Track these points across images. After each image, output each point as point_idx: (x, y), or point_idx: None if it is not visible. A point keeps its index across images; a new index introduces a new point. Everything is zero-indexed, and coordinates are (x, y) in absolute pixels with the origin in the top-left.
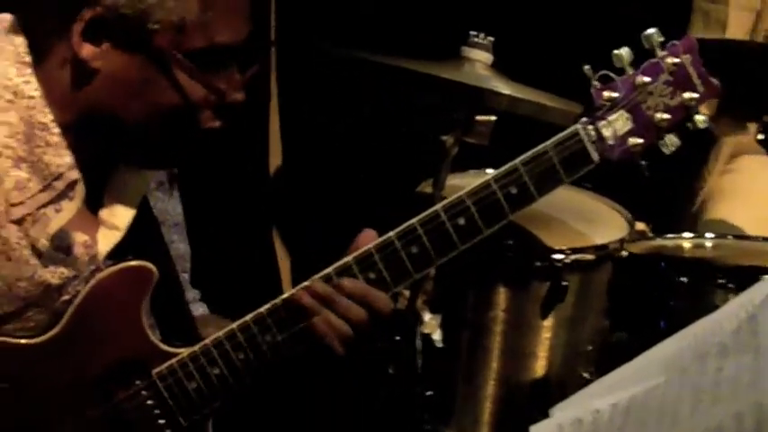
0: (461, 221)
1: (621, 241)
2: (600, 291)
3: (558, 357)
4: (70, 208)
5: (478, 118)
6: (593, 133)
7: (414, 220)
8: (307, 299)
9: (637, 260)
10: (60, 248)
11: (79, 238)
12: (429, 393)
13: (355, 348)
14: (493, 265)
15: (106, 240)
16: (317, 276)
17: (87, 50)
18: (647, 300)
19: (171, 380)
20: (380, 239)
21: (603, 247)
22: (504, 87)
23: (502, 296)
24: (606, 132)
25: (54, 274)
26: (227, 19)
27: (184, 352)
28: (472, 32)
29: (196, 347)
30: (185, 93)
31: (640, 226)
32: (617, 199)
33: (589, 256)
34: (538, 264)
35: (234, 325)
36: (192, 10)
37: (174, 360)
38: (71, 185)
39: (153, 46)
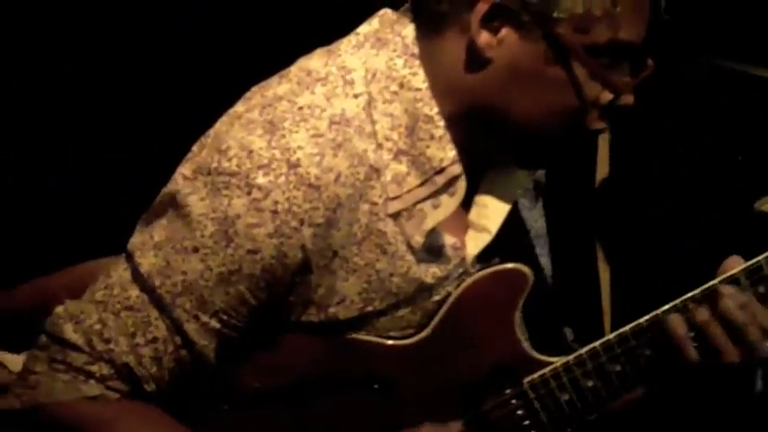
0: None
1: None
2: None
3: None
4: (449, 204)
5: None
6: None
7: None
8: (702, 315)
9: None
10: (431, 249)
11: (448, 239)
12: None
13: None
14: None
15: (475, 243)
16: (700, 289)
17: (484, 38)
18: None
19: (543, 390)
20: None
21: None
22: None
23: None
24: None
25: (427, 273)
26: (633, 15)
27: (557, 362)
28: None
29: (570, 358)
30: (581, 89)
31: None
32: None
33: None
34: None
35: (611, 336)
36: (600, 2)
37: (546, 370)
38: (452, 181)
39: (555, 36)
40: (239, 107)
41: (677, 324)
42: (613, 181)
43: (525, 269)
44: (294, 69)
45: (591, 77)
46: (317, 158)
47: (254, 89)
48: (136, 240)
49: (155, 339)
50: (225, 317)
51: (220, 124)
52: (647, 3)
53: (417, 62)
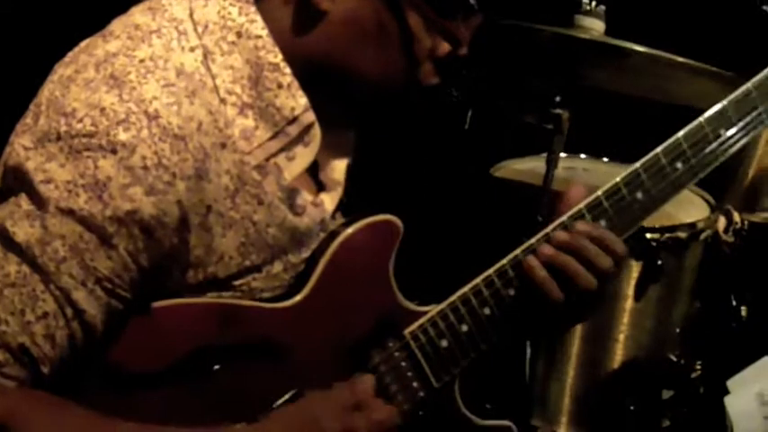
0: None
1: (710, 220)
2: (690, 271)
3: (644, 340)
4: (305, 155)
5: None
6: None
7: (637, 165)
8: (549, 250)
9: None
10: (292, 206)
11: (307, 197)
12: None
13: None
14: None
15: (330, 199)
16: (551, 227)
17: None
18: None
19: (423, 339)
20: (607, 186)
21: (693, 225)
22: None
23: None
24: None
25: (301, 222)
26: None
27: (432, 310)
28: (584, 0)
29: (444, 305)
30: (416, 41)
31: None
32: None
33: (682, 235)
34: (631, 242)
35: (478, 279)
36: None
37: (424, 319)
38: (306, 129)
39: None
40: (65, 71)
41: (533, 264)
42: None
43: (396, 219)
44: (117, 28)
45: (429, 29)
46: (175, 108)
47: (72, 54)
48: (0, 214)
49: (45, 315)
50: (109, 285)
51: (50, 92)
52: None
53: (253, 9)
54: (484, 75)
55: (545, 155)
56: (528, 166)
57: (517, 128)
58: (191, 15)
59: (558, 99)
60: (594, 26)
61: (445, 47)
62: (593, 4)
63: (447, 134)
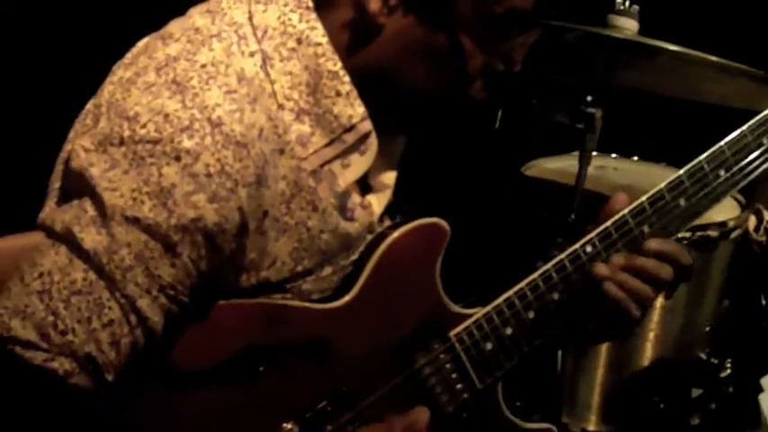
0: (722, 173)
1: (740, 219)
2: (720, 270)
3: (674, 338)
4: (360, 163)
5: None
6: None
7: (681, 172)
8: (602, 268)
9: None
10: (343, 209)
11: (356, 198)
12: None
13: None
14: None
15: (378, 201)
16: (594, 232)
17: (375, 4)
18: None
19: (468, 342)
20: (651, 192)
21: (724, 224)
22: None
23: None
24: None
25: (352, 228)
26: None
27: (477, 312)
28: (618, 0)
29: (489, 308)
30: (469, 61)
31: None
32: None
33: (712, 233)
34: None
35: (523, 283)
36: None
37: (469, 321)
38: (363, 138)
39: (451, 9)
40: (125, 73)
41: (610, 288)
42: None
43: (443, 222)
44: (176, 30)
45: (483, 50)
46: (238, 115)
47: (130, 55)
48: (65, 217)
49: (111, 322)
50: (172, 292)
51: (110, 94)
52: None
53: (314, 15)
54: (516, 73)
55: (576, 153)
56: (559, 165)
57: (548, 126)
58: (250, 19)
59: (589, 98)
60: (628, 26)
61: (499, 65)
62: (627, 3)
63: (478, 133)
